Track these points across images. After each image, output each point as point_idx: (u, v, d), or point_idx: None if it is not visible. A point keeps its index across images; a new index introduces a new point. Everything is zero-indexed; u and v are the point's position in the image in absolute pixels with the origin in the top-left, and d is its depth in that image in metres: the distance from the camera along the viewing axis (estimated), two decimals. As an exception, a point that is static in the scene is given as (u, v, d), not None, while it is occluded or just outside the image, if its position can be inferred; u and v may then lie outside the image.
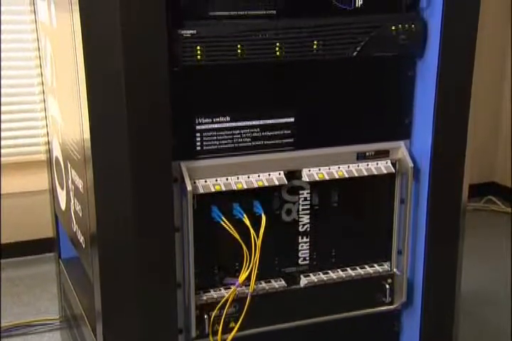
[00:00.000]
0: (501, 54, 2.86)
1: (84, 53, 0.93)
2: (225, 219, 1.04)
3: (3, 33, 2.02)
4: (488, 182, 2.95)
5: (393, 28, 1.03)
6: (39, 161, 1.98)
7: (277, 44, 0.99)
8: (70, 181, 1.20)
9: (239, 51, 0.97)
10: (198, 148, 1.02)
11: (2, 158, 2.11)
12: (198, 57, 0.95)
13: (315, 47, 1.00)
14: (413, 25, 1.03)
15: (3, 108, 2.08)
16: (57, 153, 1.34)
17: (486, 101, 2.78)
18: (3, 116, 2.09)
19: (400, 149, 1.11)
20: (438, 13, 1.02)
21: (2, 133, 2.12)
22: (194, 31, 0.94)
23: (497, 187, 2.95)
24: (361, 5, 1.02)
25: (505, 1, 2.75)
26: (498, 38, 2.80)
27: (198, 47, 0.95)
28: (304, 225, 1.11)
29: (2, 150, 2.15)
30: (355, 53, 1.02)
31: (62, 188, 1.33)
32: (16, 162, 2.19)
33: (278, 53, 0.99)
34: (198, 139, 1.02)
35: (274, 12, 0.99)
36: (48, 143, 1.48)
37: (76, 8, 0.92)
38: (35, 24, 1.42)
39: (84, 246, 1.12)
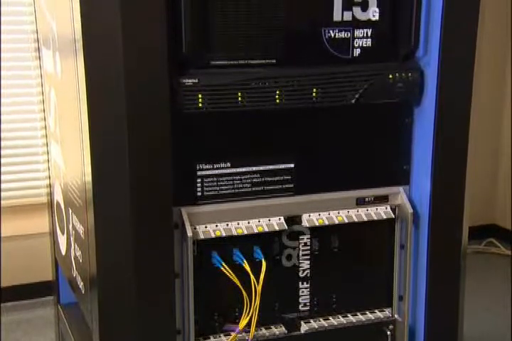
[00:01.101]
0: (499, 98, 2.90)
1: (88, 100, 0.95)
2: (225, 265, 1.04)
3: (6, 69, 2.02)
4: (489, 225, 2.95)
5: (391, 76, 1.05)
6: (38, 204, 1.98)
7: (277, 92, 1.01)
8: (70, 226, 1.21)
9: (239, 99, 0.99)
10: (199, 193, 1.03)
11: (2, 201, 2.12)
12: (200, 104, 0.97)
13: (314, 95, 1.02)
14: (410, 74, 1.06)
15: (3, 151, 2.10)
16: (58, 197, 1.34)
17: (484, 144, 2.80)
18: (3, 160, 2.11)
19: (399, 195, 1.12)
20: (434, 62, 1.05)
21: (2, 176, 2.13)
22: (196, 80, 0.96)
23: (498, 230, 2.95)
24: (359, 54, 1.05)
25: (502, 46, 2.80)
26: (496, 81, 2.84)
27: (200, 95, 0.97)
28: (304, 271, 1.11)
29: (2, 193, 2.16)
30: (353, 100, 1.04)
31: (62, 233, 1.33)
32: (15, 205, 2.19)
33: (278, 101, 1.01)
34: (199, 185, 1.03)
35: (274, 61, 1.01)
36: (50, 186, 1.49)
37: (80, 55, 0.94)
38: (40, 71, 1.45)
39: (83, 291, 1.12)
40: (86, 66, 0.94)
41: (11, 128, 1.99)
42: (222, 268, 1.04)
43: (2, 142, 1.95)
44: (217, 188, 1.04)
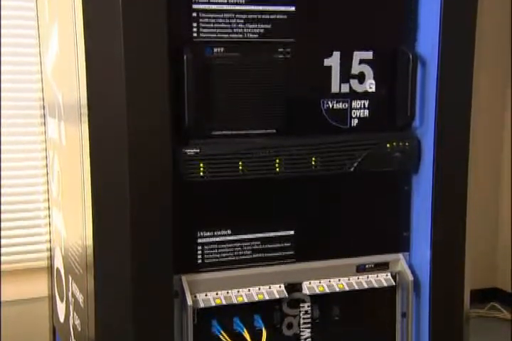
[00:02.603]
0: (497, 165, 2.93)
1: (91, 167, 0.97)
2: (224, 334, 1.03)
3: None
4: (491, 288, 2.92)
5: (388, 145, 1.07)
6: (39, 268, 1.97)
7: (277, 161, 1.03)
8: (70, 294, 1.20)
9: (240, 168, 1.01)
10: (199, 261, 1.03)
11: (2, 266, 2.10)
12: (201, 173, 0.99)
13: (313, 163, 1.04)
14: (407, 143, 1.08)
15: (3, 215, 2.10)
16: (59, 264, 1.34)
17: (483, 208, 2.81)
18: (3, 224, 2.10)
19: (400, 262, 1.13)
20: (431, 132, 1.08)
21: (2, 240, 2.12)
22: (198, 150, 0.99)
23: (500, 293, 2.91)
24: (357, 124, 1.08)
25: (497, 111, 2.85)
26: (493, 147, 2.87)
27: (201, 165, 0.99)
28: (305, 339, 1.10)
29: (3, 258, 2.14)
30: (352, 169, 1.06)
31: (61, 300, 1.32)
32: (16, 269, 2.17)
33: (278, 169, 1.03)
34: (199, 252, 1.03)
35: (274, 131, 1.04)
36: (50, 249, 1.49)
37: (85, 121, 0.97)
38: (45, 136, 1.47)
39: (81, 361, 1.10)
40: (90, 132, 0.96)
41: (12, 192, 2.01)
42: (221, 337, 1.03)
43: (2, 206, 1.96)
44: (218, 255, 1.04)
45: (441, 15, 1.04)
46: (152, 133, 0.95)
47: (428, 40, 1.07)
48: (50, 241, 1.50)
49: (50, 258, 1.50)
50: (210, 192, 1.03)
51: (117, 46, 0.91)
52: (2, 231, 2.09)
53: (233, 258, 1.05)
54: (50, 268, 1.49)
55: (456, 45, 1.06)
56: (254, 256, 1.06)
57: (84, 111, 0.97)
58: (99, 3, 0.94)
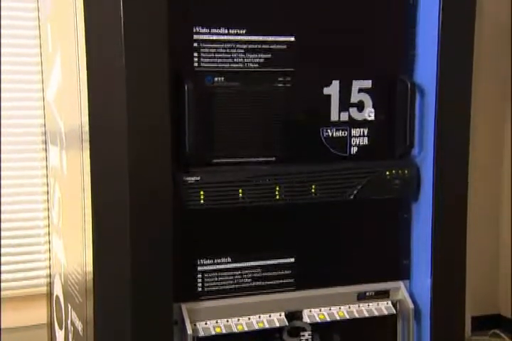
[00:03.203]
0: (496, 194, 2.92)
1: (92, 193, 0.98)
2: (224, 364, 1.02)
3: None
4: (493, 315, 2.89)
5: (388, 173, 1.08)
6: (39, 294, 1.96)
7: (277, 188, 1.03)
8: (69, 322, 1.19)
9: (240, 195, 1.01)
10: (199, 289, 1.03)
11: (2, 292, 2.08)
12: (201, 201, 0.99)
13: (313, 191, 1.05)
14: (406, 171, 1.09)
15: (3, 241, 2.09)
16: (58, 292, 1.34)
17: (484, 234, 2.80)
18: (3, 250, 2.09)
19: (400, 290, 1.12)
20: (430, 160, 1.08)
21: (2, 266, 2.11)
22: (198, 178, 0.99)
23: (502, 320, 2.89)
24: (356, 152, 1.08)
25: (497, 138, 2.86)
26: (492, 178, 2.87)
27: (202, 193, 0.99)
28: (306, 368, 1.09)
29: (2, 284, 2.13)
30: (352, 196, 1.07)
31: (60, 328, 1.31)
32: (15, 296, 2.15)
33: (278, 197, 1.03)
34: (200, 280, 1.03)
35: (274, 158, 1.05)
36: (50, 276, 1.48)
37: (87, 148, 0.97)
38: (46, 168, 1.48)
39: (79, 390, 1.09)
40: (91, 159, 0.97)
41: (11, 218, 2.01)
42: (221, 367, 1.02)
43: (2, 232, 1.96)
44: (218, 283, 1.04)
45: (439, 45, 1.05)
46: (153, 161, 0.95)
47: (426, 69, 1.08)
48: (49, 268, 1.50)
49: (50, 284, 1.49)
50: (210, 220, 1.03)
51: (119, 75, 0.93)
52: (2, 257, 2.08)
53: (233, 287, 1.05)
54: (50, 295, 1.49)
55: (454, 75, 1.07)
56: (254, 284, 1.06)
57: (86, 137, 0.98)
58: (101, 34, 0.95)
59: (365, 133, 1.08)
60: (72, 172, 1.12)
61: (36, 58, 1.45)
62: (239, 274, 1.05)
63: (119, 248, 0.97)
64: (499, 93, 2.77)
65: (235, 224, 1.04)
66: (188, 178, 0.98)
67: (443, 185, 1.08)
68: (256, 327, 1.04)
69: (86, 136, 0.98)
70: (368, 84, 1.07)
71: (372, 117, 1.08)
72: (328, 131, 1.07)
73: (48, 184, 1.50)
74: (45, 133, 1.49)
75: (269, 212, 1.05)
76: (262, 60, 1.02)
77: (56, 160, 1.30)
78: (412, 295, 1.12)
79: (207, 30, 0.98)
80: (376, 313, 1.10)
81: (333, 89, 1.06)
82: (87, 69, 0.97)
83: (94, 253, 0.99)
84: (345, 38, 1.06)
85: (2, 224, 1.77)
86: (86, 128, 0.98)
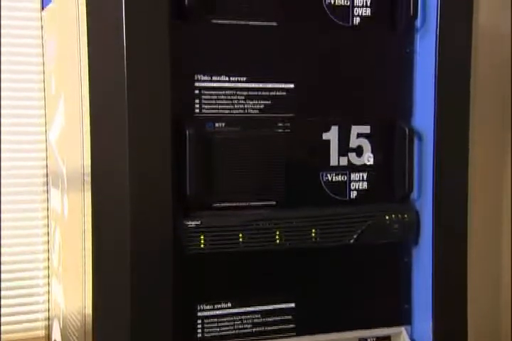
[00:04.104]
0: (496, 223, 2.92)
1: (93, 238, 0.98)
2: None
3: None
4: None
5: (387, 217, 1.08)
6: (35, 338, 1.93)
7: (277, 233, 1.03)
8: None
9: (240, 240, 1.02)
10: (199, 335, 1.02)
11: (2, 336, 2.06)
12: (202, 246, 1.00)
13: (313, 235, 1.05)
14: (406, 215, 1.09)
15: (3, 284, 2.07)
16: (57, 336, 1.33)
17: (485, 275, 2.79)
18: (3, 292, 2.08)
19: (401, 335, 1.11)
20: (429, 204, 1.09)
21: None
22: (199, 222, 0.99)
23: (506, 362, 2.85)
24: (356, 196, 1.09)
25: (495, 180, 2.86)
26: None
27: (202, 237, 1.00)
28: None
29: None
30: (352, 241, 1.07)
31: (58, 373, 1.30)
32: (14, 339, 2.13)
33: (278, 241, 1.03)
34: (199, 326, 1.02)
35: (274, 203, 1.05)
36: (49, 318, 1.47)
37: (88, 190, 0.98)
38: (47, 212, 1.49)
39: None
40: (93, 200, 0.98)
41: (12, 260, 2.00)
42: None
43: (2, 275, 1.95)
44: (218, 329, 1.03)
45: (436, 91, 1.07)
46: (153, 205, 0.96)
47: (424, 114, 1.10)
48: (48, 310, 1.49)
49: (48, 327, 1.48)
50: (210, 264, 1.03)
51: (121, 120, 0.94)
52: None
53: (233, 332, 1.04)
54: (48, 339, 1.47)
55: (451, 120, 1.09)
56: (254, 329, 1.05)
57: (88, 179, 0.99)
58: (105, 80, 0.97)
59: (365, 178, 1.09)
60: (73, 215, 1.13)
61: (37, 101, 1.48)
62: (239, 319, 1.05)
63: (118, 291, 0.96)
64: (499, 127, 2.79)
65: (234, 268, 1.04)
66: (189, 222, 0.99)
67: (443, 228, 1.09)
68: (255, 374, 1.03)
69: (87, 178, 0.99)
70: (366, 129, 1.09)
71: (371, 162, 1.10)
72: (328, 175, 1.08)
73: (48, 225, 1.50)
74: (47, 175, 1.50)
75: (268, 257, 1.05)
76: (262, 106, 1.04)
77: (57, 203, 1.31)
78: (413, 341, 1.12)
79: (208, 78, 1.00)
80: (378, 360, 1.09)
81: (332, 135, 1.07)
82: (90, 114, 0.99)
83: (93, 296, 0.99)
84: (343, 85, 1.08)
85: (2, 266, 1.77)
86: (88, 170, 0.99)
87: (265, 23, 1.02)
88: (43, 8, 1.39)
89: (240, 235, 1.02)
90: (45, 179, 1.51)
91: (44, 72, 1.44)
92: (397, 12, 1.08)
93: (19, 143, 1.59)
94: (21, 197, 1.78)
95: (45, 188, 1.52)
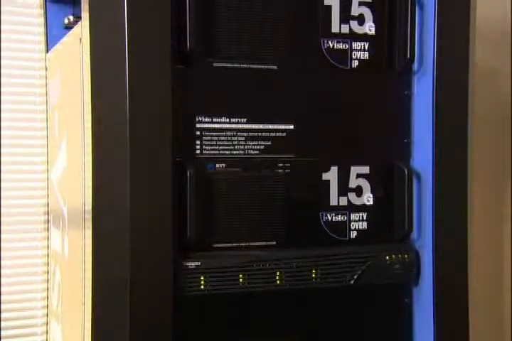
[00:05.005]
0: (497, 264, 2.90)
1: (93, 278, 0.98)
2: None
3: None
4: None
5: (387, 257, 1.08)
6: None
7: (277, 273, 1.03)
8: None
9: (241, 280, 1.01)
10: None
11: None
12: (201, 287, 0.99)
13: (313, 276, 1.05)
14: (406, 256, 1.09)
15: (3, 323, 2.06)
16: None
17: (486, 315, 2.76)
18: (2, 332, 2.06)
19: (403, 377, 1.11)
20: (429, 244, 1.09)
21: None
22: (199, 263, 0.99)
23: None
24: (356, 236, 1.09)
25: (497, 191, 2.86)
26: (492, 246, 2.86)
27: (202, 278, 0.99)
28: None
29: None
30: (352, 281, 1.07)
31: None
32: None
33: (278, 282, 1.03)
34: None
35: (274, 243, 1.06)
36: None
37: (89, 228, 0.98)
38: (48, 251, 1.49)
39: None
40: (94, 239, 0.98)
41: (11, 300, 1.99)
42: None
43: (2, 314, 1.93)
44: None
45: (434, 132, 1.09)
46: (153, 246, 0.96)
47: (422, 155, 1.11)
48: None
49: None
50: (209, 305, 1.02)
51: (123, 161, 0.95)
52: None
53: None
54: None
55: (449, 160, 1.10)
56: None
57: (88, 216, 0.99)
58: (106, 123, 0.98)
59: (364, 218, 1.10)
60: (73, 254, 1.13)
61: (39, 140, 1.49)
62: None
63: (117, 332, 0.96)
64: (499, 167, 2.80)
65: (234, 309, 1.04)
66: (189, 263, 0.99)
67: (443, 269, 1.09)
68: None
69: (88, 216, 1.00)
70: (365, 169, 1.10)
71: (370, 202, 1.10)
72: (328, 215, 1.08)
73: (48, 263, 1.50)
74: (48, 213, 1.50)
75: (268, 297, 1.05)
76: (262, 147, 1.05)
77: (58, 243, 1.31)
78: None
79: (209, 119, 1.02)
80: None
81: (331, 175, 1.08)
82: (92, 153, 0.99)
83: (92, 336, 0.98)
84: (343, 126, 1.09)
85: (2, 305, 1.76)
86: (89, 207, 0.99)
87: (266, 66, 1.04)
88: (47, 51, 1.42)
89: (240, 276, 1.01)
90: (46, 217, 1.51)
91: (47, 111, 1.46)
92: (394, 55, 1.10)
93: (20, 180, 1.60)
94: (22, 235, 1.78)
95: (46, 226, 1.52)
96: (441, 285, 1.09)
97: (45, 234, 1.53)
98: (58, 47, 1.31)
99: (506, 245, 2.86)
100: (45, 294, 1.54)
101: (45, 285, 1.54)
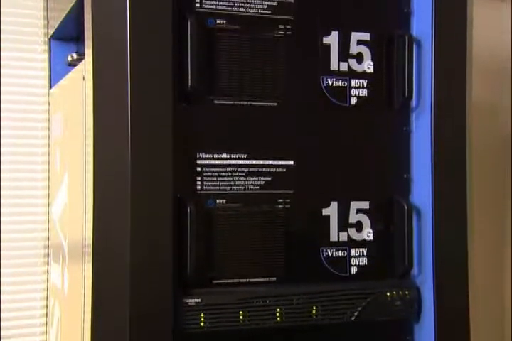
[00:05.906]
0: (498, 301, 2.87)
1: (92, 314, 0.97)
2: None
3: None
4: None
5: (388, 294, 1.08)
6: None
7: (278, 310, 1.03)
8: None
9: (241, 317, 1.01)
10: None
11: None
12: (201, 324, 0.99)
13: (314, 312, 1.04)
14: (407, 292, 1.09)
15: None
16: None
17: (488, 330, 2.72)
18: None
19: None
20: (429, 280, 1.09)
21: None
22: (199, 299, 0.99)
23: None
24: (356, 272, 1.09)
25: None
26: (493, 282, 2.84)
27: (202, 315, 0.99)
28: None
29: None
30: (353, 318, 1.06)
31: None
32: None
33: (279, 319, 1.03)
34: None
35: (275, 279, 1.05)
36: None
37: (89, 260, 0.98)
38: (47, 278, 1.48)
39: None
40: (94, 273, 0.98)
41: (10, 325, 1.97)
42: None
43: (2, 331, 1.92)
44: None
45: (433, 168, 1.09)
46: (153, 282, 0.96)
47: (422, 191, 1.11)
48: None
49: None
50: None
51: (124, 197, 0.96)
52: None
53: None
54: None
55: (449, 197, 1.10)
56: None
57: (89, 250, 0.99)
58: (108, 159, 0.99)
59: (365, 253, 1.10)
60: (73, 289, 1.12)
61: (41, 174, 1.50)
62: None
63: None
64: (499, 202, 2.80)
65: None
66: (189, 300, 0.98)
67: (444, 306, 1.08)
68: None
69: (88, 249, 1.00)
70: (365, 205, 1.10)
71: (371, 237, 1.10)
72: (328, 251, 1.08)
73: (47, 298, 1.49)
74: (48, 247, 1.50)
75: (269, 334, 1.04)
76: (262, 183, 1.05)
77: (57, 278, 1.31)
78: None
79: (210, 156, 1.02)
80: None
81: (331, 210, 1.09)
82: (94, 188, 1.00)
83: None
84: (342, 162, 1.10)
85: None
86: (89, 241, 0.99)
87: (266, 103, 1.06)
88: (51, 87, 1.44)
89: (240, 312, 1.01)
90: (46, 251, 1.51)
91: (49, 146, 1.47)
92: (393, 92, 1.11)
93: (21, 214, 1.60)
94: (21, 269, 1.77)
95: (46, 260, 1.51)
96: (442, 322, 1.08)
97: (44, 267, 1.52)
98: (62, 83, 1.32)
99: (506, 277, 2.83)
100: (43, 329, 1.53)
101: (43, 320, 1.53)
